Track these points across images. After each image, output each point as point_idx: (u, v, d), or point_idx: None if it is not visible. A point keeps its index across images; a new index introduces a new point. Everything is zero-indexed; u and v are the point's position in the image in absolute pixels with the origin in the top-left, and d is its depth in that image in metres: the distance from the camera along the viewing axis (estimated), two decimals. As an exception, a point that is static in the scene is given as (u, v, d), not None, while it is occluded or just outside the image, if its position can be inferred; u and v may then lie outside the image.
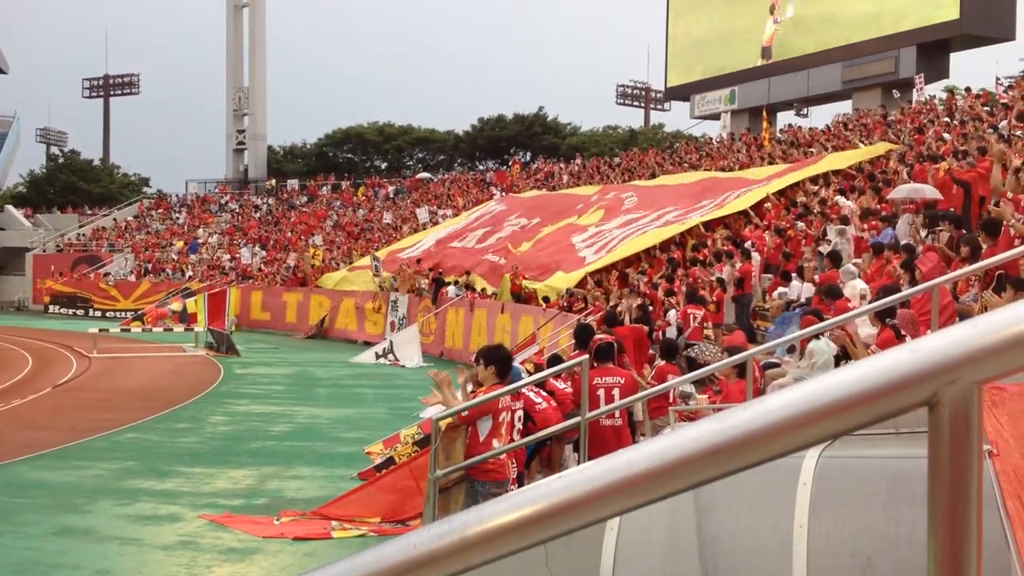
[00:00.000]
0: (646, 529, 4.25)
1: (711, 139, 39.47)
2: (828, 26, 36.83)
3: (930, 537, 0.82)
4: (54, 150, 72.92)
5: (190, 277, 41.60)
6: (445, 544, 0.86)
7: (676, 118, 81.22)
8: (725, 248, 17.73)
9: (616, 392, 8.34)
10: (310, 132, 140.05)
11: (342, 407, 17.71)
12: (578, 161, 43.73)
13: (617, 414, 8.31)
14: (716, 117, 42.92)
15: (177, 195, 60.03)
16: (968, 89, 27.49)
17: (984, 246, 9.74)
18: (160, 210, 56.60)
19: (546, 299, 22.13)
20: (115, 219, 55.53)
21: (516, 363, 9.95)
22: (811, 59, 37.51)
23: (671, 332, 13.89)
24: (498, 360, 7.28)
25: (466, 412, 6.93)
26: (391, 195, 49.41)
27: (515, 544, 0.85)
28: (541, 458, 9.26)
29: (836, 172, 21.47)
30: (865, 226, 14.87)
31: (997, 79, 28.19)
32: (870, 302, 8.97)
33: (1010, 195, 11.17)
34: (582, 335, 10.09)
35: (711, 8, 43.21)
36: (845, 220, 15.36)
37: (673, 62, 45.59)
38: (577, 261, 23.71)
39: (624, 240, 23.06)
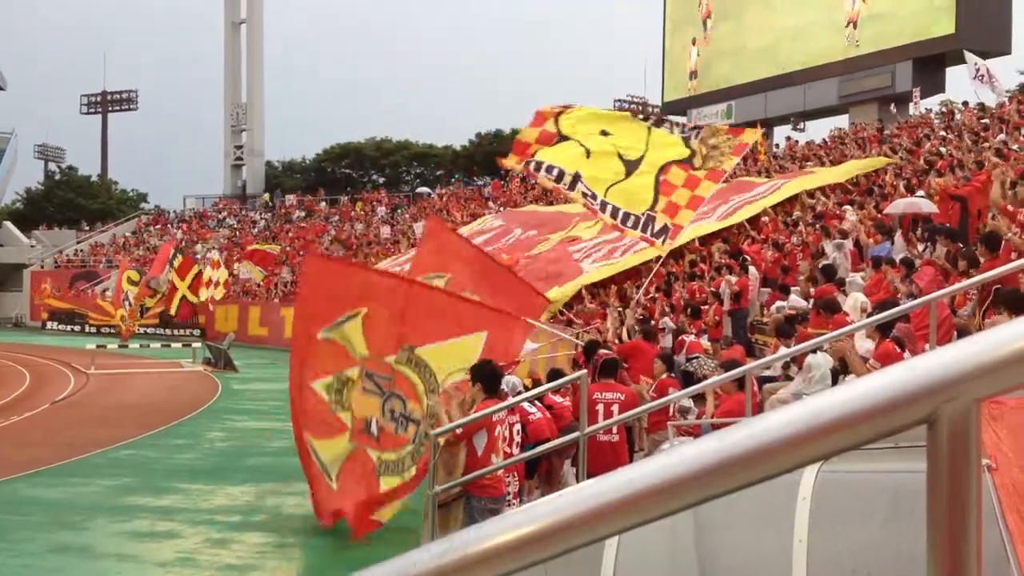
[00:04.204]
0: (645, 546, 4.24)
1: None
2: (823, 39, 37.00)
3: (930, 552, 0.82)
4: (52, 166, 73.05)
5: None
6: (446, 563, 0.86)
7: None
8: (723, 262, 17.69)
9: (615, 408, 8.33)
10: (308, 148, 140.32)
11: (340, 423, 17.63)
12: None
13: (615, 430, 8.29)
14: (713, 132, 42.98)
15: (175, 211, 60.12)
16: (966, 103, 27.59)
17: (982, 260, 9.71)
18: (158, 226, 56.65)
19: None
20: (113, 235, 55.60)
21: (514, 378, 9.96)
22: (807, 73, 37.66)
23: (666, 341, 13.83)
24: (484, 377, 7.33)
25: (460, 430, 6.95)
26: (402, 208, 49.68)
27: (516, 563, 0.85)
28: (540, 474, 9.24)
29: (834, 187, 21.45)
30: (872, 240, 14.86)
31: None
32: (868, 316, 8.95)
33: (1010, 208, 11.16)
34: (589, 351, 10.16)
35: (708, 23, 43.39)
36: (844, 234, 15.34)
37: (670, 77, 45.75)
38: (576, 271, 23.50)
39: (625, 253, 22.89)
